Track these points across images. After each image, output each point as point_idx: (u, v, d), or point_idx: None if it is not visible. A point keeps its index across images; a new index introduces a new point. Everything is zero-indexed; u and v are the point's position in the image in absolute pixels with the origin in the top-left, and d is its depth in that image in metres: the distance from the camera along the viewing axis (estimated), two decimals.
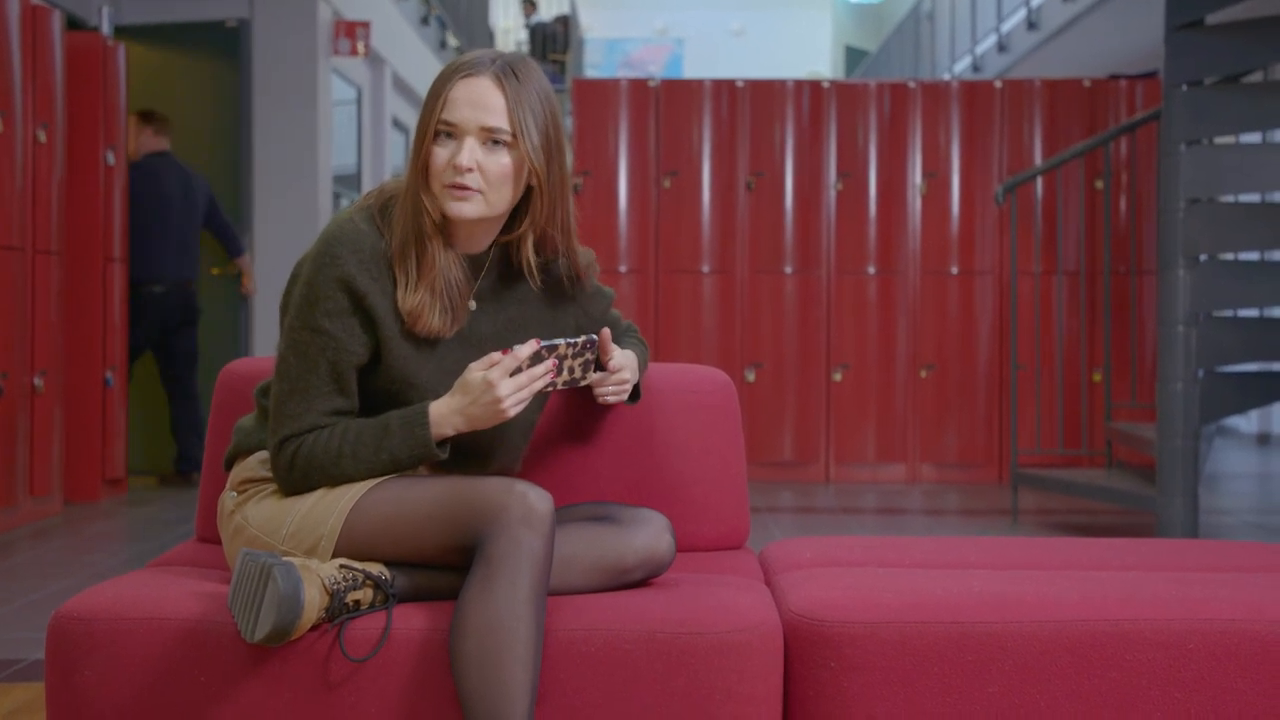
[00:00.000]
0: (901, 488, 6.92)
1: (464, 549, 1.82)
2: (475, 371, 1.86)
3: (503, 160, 1.93)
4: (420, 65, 10.67)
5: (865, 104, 7.13)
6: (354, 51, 8.02)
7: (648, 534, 2.01)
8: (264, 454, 2.01)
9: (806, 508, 6.22)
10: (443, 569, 1.89)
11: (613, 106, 7.15)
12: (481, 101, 1.92)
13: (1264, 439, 10.16)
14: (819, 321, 7.09)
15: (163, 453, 6.93)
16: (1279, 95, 4.99)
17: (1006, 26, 11.48)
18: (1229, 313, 5.42)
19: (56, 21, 5.66)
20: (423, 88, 10.08)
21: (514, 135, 1.93)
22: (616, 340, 2.21)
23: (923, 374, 7.06)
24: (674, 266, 7.10)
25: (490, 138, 1.92)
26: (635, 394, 2.24)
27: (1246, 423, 10.44)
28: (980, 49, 12.41)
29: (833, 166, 7.12)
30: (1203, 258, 5.01)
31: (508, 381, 1.84)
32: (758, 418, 6.99)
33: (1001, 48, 11.56)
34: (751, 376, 7.05)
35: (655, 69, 21.70)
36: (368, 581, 1.85)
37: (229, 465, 2.09)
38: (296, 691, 1.83)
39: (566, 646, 1.83)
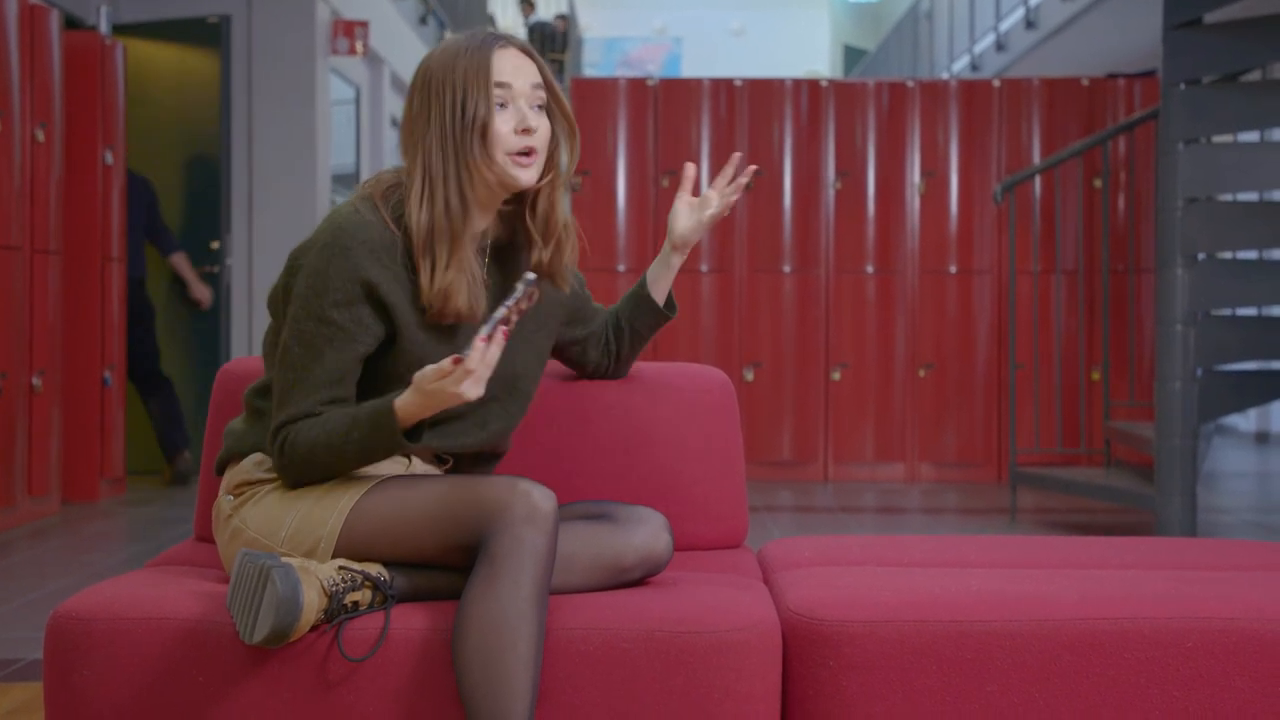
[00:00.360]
0: (900, 487, 6.92)
1: (465, 548, 1.82)
2: (429, 382, 1.80)
3: (546, 124, 1.98)
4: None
5: (864, 103, 7.13)
6: (352, 51, 8.02)
7: (646, 532, 2.00)
8: (259, 456, 2.00)
9: (805, 507, 6.22)
10: (442, 569, 1.89)
11: (611, 105, 7.15)
12: (524, 67, 1.96)
13: (1262, 437, 10.17)
14: (818, 321, 7.09)
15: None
16: (1277, 94, 5.00)
17: (1005, 25, 11.48)
18: (1227, 311, 5.42)
19: (55, 20, 5.66)
20: None
21: (554, 98, 1.99)
22: (591, 318, 2.29)
23: (921, 373, 7.06)
24: None
25: (536, 100, 1.96)
26: (671, 304, 2.30)
27: (1245, 421, 10.45)
28: (979, 48, 12.42)
29: (831, 165, 7.12)
30: (1201, 256, 5.01)
31: (467, 383, 1.79)
32: (756, 417, 6.99)
33: (1000, 47, 11.56)
34: (750, 376, 7.05)
35: (654, 68, 21.70)
36: (366, 582, 1.85)
37: (220, 469, 2.08)
38: (295, 691, 1.83)
39: (565, 645, 1.83)
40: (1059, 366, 6.16)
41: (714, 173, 7.08)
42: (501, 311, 1.78)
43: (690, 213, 2.23)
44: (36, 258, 5.49)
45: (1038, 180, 6.87)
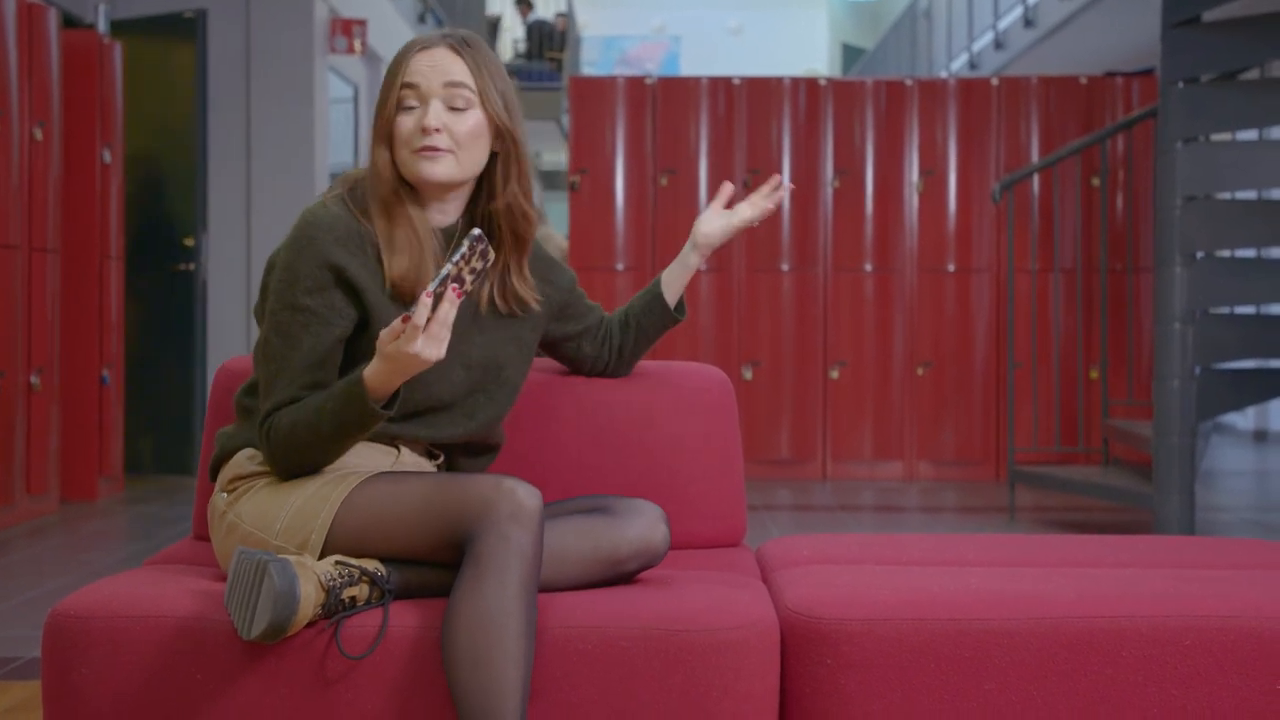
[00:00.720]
0: (899, 485, 6.92)
1: (454, 546, 1.82)
2: (386, 345, 1.80)
3: (469, 121, 1.99)
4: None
5: (862, 102, 7.13)
6: (350, 49, 8.02)
7: (642, 524, 2.01)
8: (250, 450, 2.02)
9: (804, 505, 6.22)
10: (436, 565, 1.89)
11: (610, 104, 7.15)
12: (441, 65, 1.99)
13: (1260, 436, 10.17)
14: (816, 319, 7.09)
15: (161, 452, 6.90)
16: (1275, 92, 5.00)
17: (1003, 24, 11.48)
18: (1226, 310, 5.42)
19: (53, 19, 5.65)
20: None
21: (479, 94, 1.99)
22: (584, 314, 2.30)
23: (920, 371, 7.06)
24: None
25: (454, 99, 1.98)
26: (681, 308, 2.36)
27: (1243, 420, 10.45)
28: (977, 46, 12.42)
29: (830, 164, 7.13)
30: (1199, 255, 5.01)
31: (420, 341, 1.79)
32: (755, 415, 6.99)
33: (998, 45, 11.56)
34: (749, 374, 7.05)
35: (652, 67, 21.69)
36: (364, 578, 1.85)
37: (214, 473, 2.09)
38: (293, 688, 1.83)
39: (563, 644, 1.83)
40: (1057, 365, 6.16)
41: (712, 172, 7.08)
42: (449, 268, 1.78)
43: (718, 216, 2.32)
44: (35, 256, 5.49)
45: (1036, 179, 6.87)
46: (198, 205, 7.08)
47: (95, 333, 6.05)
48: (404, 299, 1.98)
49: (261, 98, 7.52)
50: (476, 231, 1.79)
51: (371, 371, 1.84)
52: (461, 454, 2.13)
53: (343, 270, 1.94)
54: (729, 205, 2.37)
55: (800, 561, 2.26)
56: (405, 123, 1.98)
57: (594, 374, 2.40)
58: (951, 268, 7.08)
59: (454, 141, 1.98)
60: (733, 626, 1.84)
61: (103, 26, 6.47)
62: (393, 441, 2.04)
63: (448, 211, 2.05)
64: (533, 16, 15.36)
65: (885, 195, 7.11)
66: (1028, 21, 10.59)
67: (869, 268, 7.10)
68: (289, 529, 1.89)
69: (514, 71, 13.71)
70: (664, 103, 7.15)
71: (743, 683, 1.84)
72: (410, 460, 2.06)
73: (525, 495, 1.80)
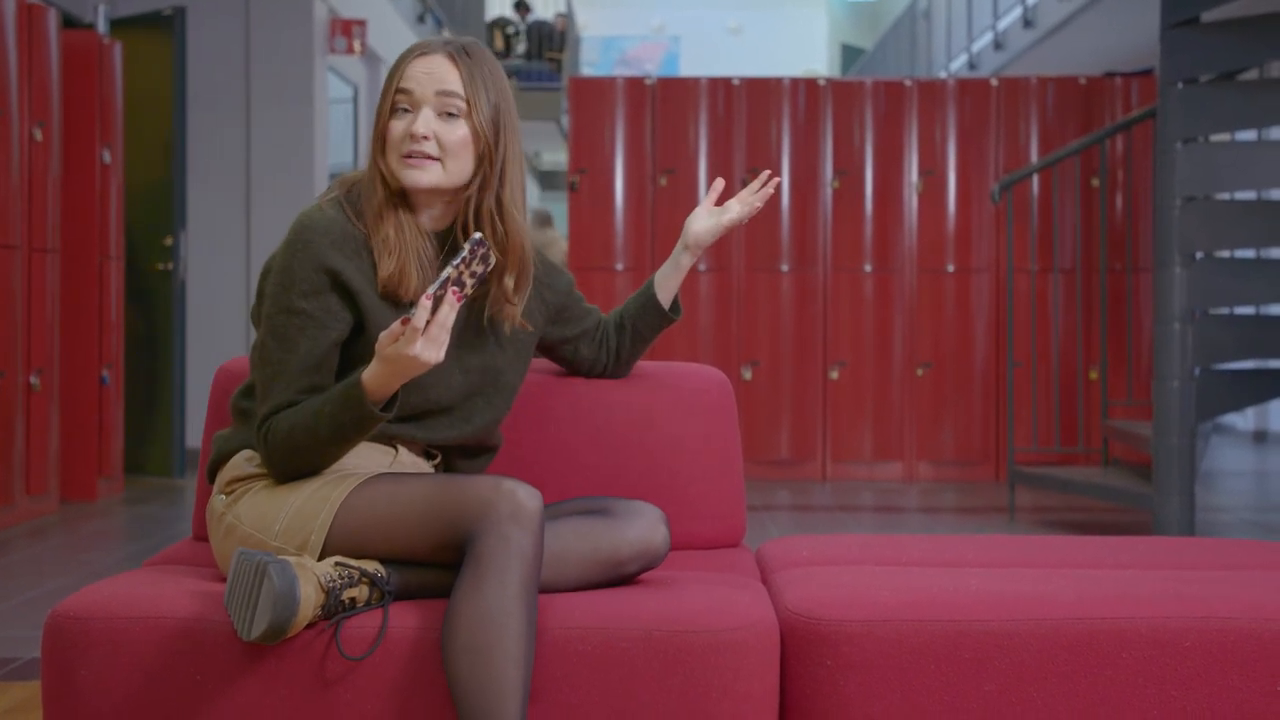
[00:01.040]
0: (898, 486, 6.93)
1: (455, 547, 1.82)
2: (385, 347, 1.81)
3: (459, 130, 1.99)
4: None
5: (861, 102, 7.13)
6: (350, 50, 8.02)
7: (642, 526, 2.01)
8: (248, 451, 2.02)
9: (803, 506, 6.22)
10: (436, 566, 1.89)
11: (609, 104, 7.15)
12: (437, 73, 1.99)
13: (1260, 436, 10.17)
14: (815, 319, 7.10)
15: (157, 452, 6.87)
16: (1274, 93, 5.00)
17: (1002, 24, 11.48)
18: (1225, 310, 5.43)
19: (53, 19, 5.65)
20: None
21: (468, 105, 1.99)
22: (581, 317, 2.30)
23: (919, 372, 7.06)
24: None
25: (445, 108, 1.98)
26: (676, 307, 2.34)
27: (1243, 420, 10.45)
28: (976, 47, 12.42)
29: (829, 164, 7.13)
30: (1199, 255, 5.02)
31: (419, 344, 1.80)
32: (754, 416, 6.99)
33: (998, 45, 11.56)
34: (748, 375, 7.05)
35: (651, 67, 21.69)
36: (363, 579, 1.85)
37: (211, 476, 2.09)
38: (292, 689, 1.83)
39: (562, 645, 1.83)
40: (1057, 365, 6.16)
41: (712, 172, 7.08)
42: (449, 271, 1.78)
43: (708, 216, 2.31)
44: (34, 256, 5.49)
45: (1035, 179, 6.87)
46: (176, 204, 6.89)
47: (95, 333, 6.05)
48: (394, 302, 1.98)
49: (261, 98, 7.52)
50: (478, 236, 1.79)
51: (370, 374, 1.84)
52: (459, 455, 2.13)
53: (338, 274, 1.94)
54: (720, 201, 2.37)
55: (800, 562, 2.26)
56: (396, 127, 1.99)
57: (592, 375, 2.40)
58: (951, 268, 7.09)
59: (442, 149, 1.98)
60: (732, 627, 1.84)
61: (102, 27, 6.47)
62: (390, 441, 2.04)
63: (438, 216, 2.06)
64: (532, 17, 15.36)
65: (885, 195, 7.11)
66: (1027, 22, 10.59)
67: (868, 268, 7.10)
68: (288, 530, 1.90)
69: (513, 72, 13.71)
70: (663, 103, 7.15)
71: (742, 684, 1.84)
72: (408, 460, 2.06)
73: (525, 496, 1.80)
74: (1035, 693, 1.87)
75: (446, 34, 11.60)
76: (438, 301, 1.78)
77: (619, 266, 7.08)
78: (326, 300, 1.94)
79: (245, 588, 1.77)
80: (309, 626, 1.82)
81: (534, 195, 19.86)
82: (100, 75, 6.08)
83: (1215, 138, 5.36)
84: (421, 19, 10.97)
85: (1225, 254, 5.49)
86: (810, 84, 7.22)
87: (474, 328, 2.07)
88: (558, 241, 8.26)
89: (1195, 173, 4.87)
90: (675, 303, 2.34)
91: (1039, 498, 6.44)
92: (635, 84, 7.23)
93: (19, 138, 5.34)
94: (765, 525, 5.48)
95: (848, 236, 7.10)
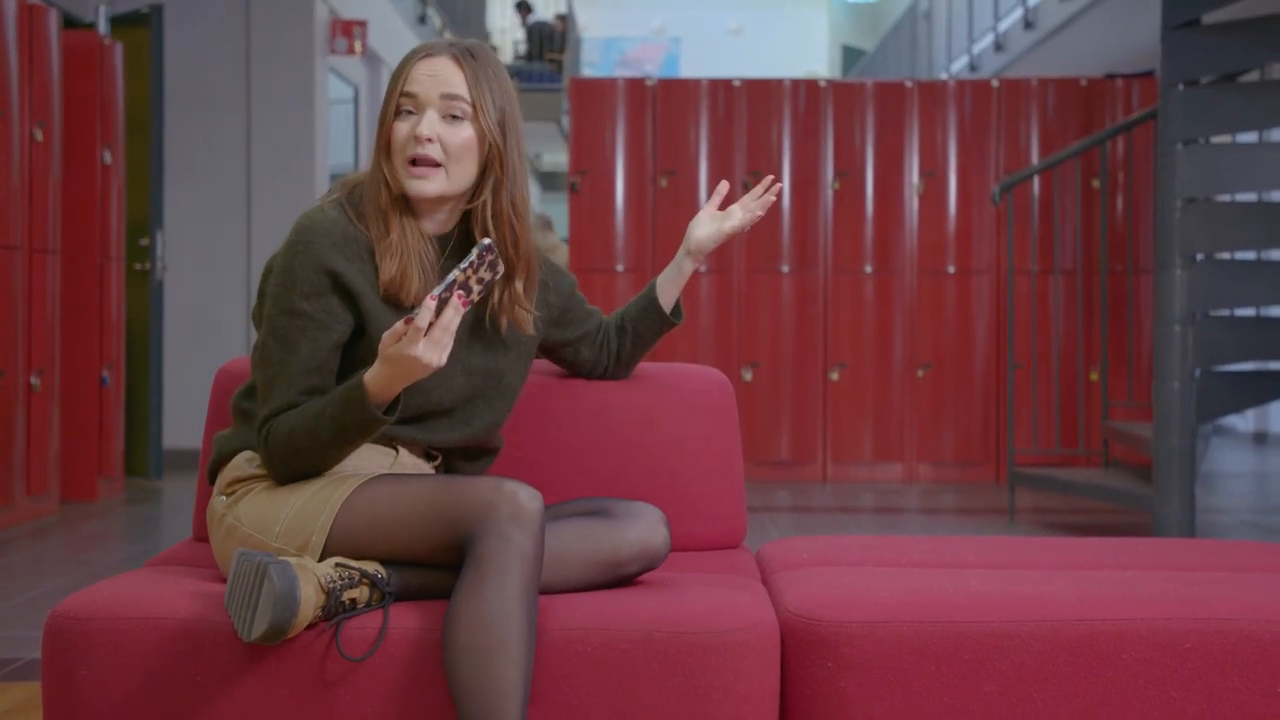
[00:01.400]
0: (898, 487, 6.92)
1: (455, 548, 1.82)
2: (388, 347, 1.81)
3: (463, 133, 1.99)
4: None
5: (862, 103, 7.13)
6: (350, 50, 8.02)
7: (642, 527, 2.01)
8: (249, 453, 2.02)
9: (803, 507, 6.22)
10: (437, 567, 1.89)
11: (609, 106, 7.15)
12: (441, 76, 1.98)
13: (1260, 438, 10.17)
14: (816, 321, 7.09)
15: (135, 453, 6.75)
16: (1275, 94, 5.00)
17: (1003, 26, 11.48)
18: (1225, 312, 5.43)
19: (53, 20, 5.65)
20: None
21: (474, 108, 1.99)
22: (583, 319, 2.30)
23: (920, 373, 7.06)
24: None
25: (450, 110, 1.98)
26: (678, 311, 2.34)
27: (1243, 422, 10.45)
28: (977, 48, 12.41)
29: (830, 166, 7.13)
30: (1199, 257, 5.02)
31: (421, 345, 1.79)
32: (755, 417, 6.99)
33: (998, 47, 11.56)
34: (748, 376, 7.05)
35: (652, 68, 21.69)
36: (364, 580, 1.85)
37: (212, 476, 2.09)
38: (292, 690, 1.83)
39: (562, 646, 1.83)
40: (1057, 367, 6.16)
41: (712, 173, 7.08)
42: (456, 274, 1.78)
43: (711, 221, 2.30)
44: (35, 257, 5.49)
45: (1036, 180, 6.87)
46: (153, 204, 6.77)
47: (95, 333, 6.05)
48: (396, 305, 1.98)
49: (262, 98, 7.52)
50: (487, 241, 1.79)
51: (372, 375, 1.84)
52: (459, 457, 2.13)
53: (339, 275, 1.94)
54: (724, 206, 2.37)
55: (800, 563, 2.26)
56: (401, 130, 1.98)
57: (592, 377, 2.40)
58: (952, 269, 7.09)
59: (446, 153, 1.98)
60: (733, 629, 1.84)
61: (103, 27, 6.47)
62: (391, 443, 2.04)
63: (440, 220, 2.05)
64: (533, 18, 15.36)
65: (885, 197, 7.11)
66: (1028, 23, 10.59)
67: (869, 269, 7.10)
68: (289, 531, 1.89)
69: (514, 73, 13.71)
70: (664, 104, 7.15)
71: (743, 685, 1.84)
72: (409, 461, 2.06)
73: (526, 497, 1.80)
74: (1036, 694, 1.87)
75: (449, 35, 11.61)
76: (442, 304, 1.78)
77: (619, 268, 7.08)
78: (328, 302, 1.94)
79: (246, 588, 1.77)
80: (309, 627, 1.82)
81: (535, 197, 19.86)
82: (101, 75, 6.08)
83: (1216, 139, 5.36)
84: (422, 19, 10.98)
85: (1226, 256, 5.49)
86: (811, 85, 7.22)
87: (477, 329, 2.07)
88: (560, 247, 8.26)
89: (1196, 174, 4.87)
90: (677, 307, 2.34)
91: (1039, 499, 6.44)
92: (636, 85, 7.23)
93: (20, 138, 5.34)
94: (765, 526, 5.48)
95: (848, 238, 7.10)
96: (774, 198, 2.30)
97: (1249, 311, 5.80)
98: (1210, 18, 5.19)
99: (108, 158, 6.11)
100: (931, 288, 7.09)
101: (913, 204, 7.11)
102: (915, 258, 7.11)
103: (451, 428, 2.06)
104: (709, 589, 1.99)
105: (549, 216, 10.53)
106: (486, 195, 2.02)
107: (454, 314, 1.79)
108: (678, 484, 2.40)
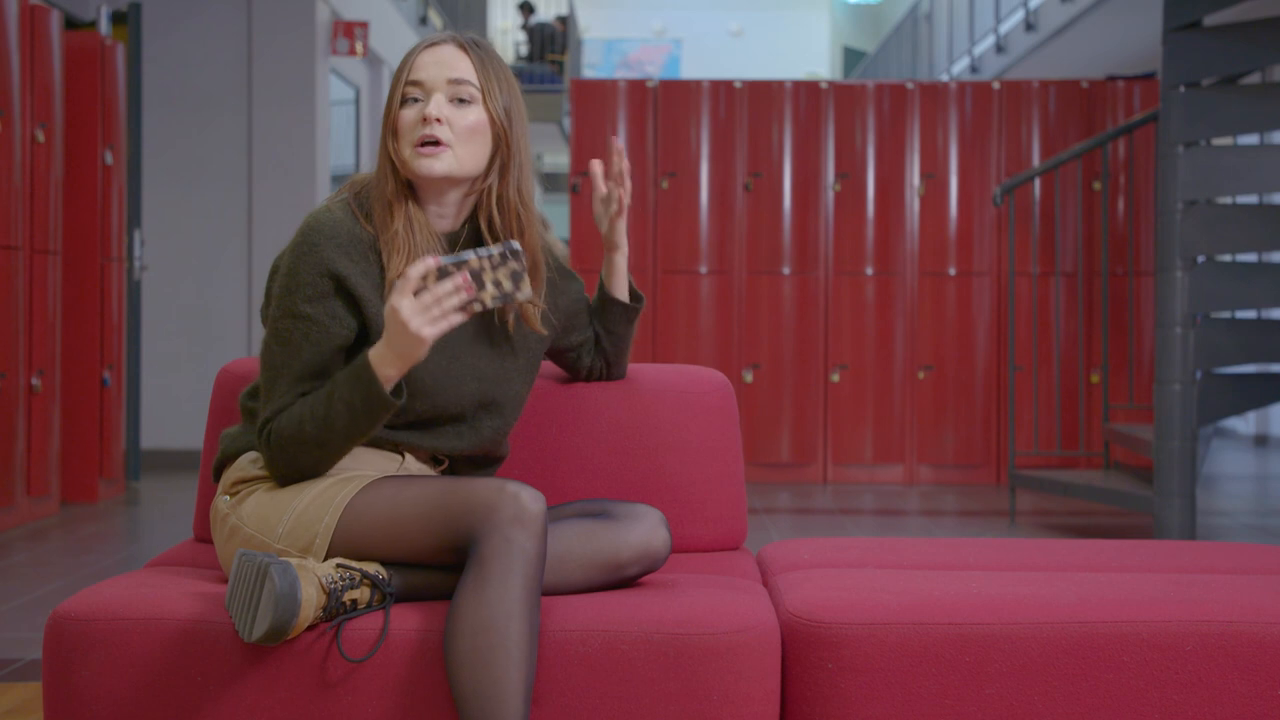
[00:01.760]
0: (899, 489, 6.92)
1: (457, 549, 1.82)
2: (388, 303, 1.83)
3: (471, 116, 1.98)
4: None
5: (863, 105, 7.13)
6: (352, 51, 8.02)
7: (643, 529, 2.01)
8: (253, 454, 2.01)
9: (804, 509, 6.22)
10: (438, 569, 1.89)
11: (610, 107, 7.15)
12: (448, 62, 1.99)
13: (1261, 440, 10.17)
14: (817, 322, 7.09)
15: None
16: (1276, 97, 5.00)
17: (1004, 28, 11.48)
18: (1226, 314, 5.42)
19: (55, 21, 5.65)
20: None
21: (481, 91, 1.99)
22: (589, 325, 2.29)
23: (920, 375, 7.06)
24: (672, 267, 7.10)
25: (458, 94, 1.98)
26: (636, 296, 2.28)
27: (1244, 424, 10.45)
28: (978, 50, 12.41)
29: (831, 167, 7.13)
30: (1200, 259, 5.01)
31: (407, 301, 1.79)
32: (755, 419, 6.99)
33: (999, 49, 11.56)
34: (749, 377, 7.05)
35: (653, 70, 21.69)
36: (365, 581, 1.85)
37: (217, 474, 2.09)
38: (294, 691, 1.83)
39: (563, 647, 1.83)
40: (1058, 368, 6.16)
41: (713, 175, 7.09)
42: (471, 256, 1.76)
43: (603, 212, 2.23)
44: (36, 258, 5.50)
45: (1037, 182, 6.87)
46: (130, 202, 6.66)
47: (96, 334, 6.05)
48: None
49: (263, 99, 7.52)
50: (517, 245, 1.79)
51: (375, 349, 1.85)
52: (466, 464, 2.12)
53: (344, 279, 1.93)
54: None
55: (801, 565, 2.26)
56: (408, 115, 1.98)
57: (591, 379, 2.40)
58: (952, 271, 7.09)
59: (454, 135, 1.97)
60: (733, 630, 1.84)
61: (104, 28, 6.47)
62: (397, 448, 2.04)
63: (448, 215, 2.04)
64: (535, 19, 15.36)
65: (886, 198, 7.11)
66: (1029, 25, 10.59)
67: (870, 271, 7.10)
68: (291, 533, 1.89)
69: (515, 74, 13.70)
70: (665, 105, 7.15)
71: (743, 686, 1.84)
72: (414, 467, 2.06)
73: (528, 499, 1.80)
74: (1036, 696, 1.87)
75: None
76: (443, 274, 1.76)
77: None
78: (331, 305, 1.93)
79: (247, 589, 1.77)
80: (310, 628, 1.82)
81: (537, 198, 19.84)
82: (102, 76, 6.09)
83: (1217, 141, 5.35)
84: (424, 20, 10.98)
85: (1227, 258, 5.49)
86: (812, 87, 7.22)
87: (487, 333, 2.06)
88: (555, 245, 8.25)
89: (1197, 176, 4.87)
90: (634, 292, 2.29)
91: (1040, 501, 6.44)
92: (637, 86, 7.23)
93: (21, 139, 5.34)
94: (766, 528, 5.47)
95: (849, 239, 7.10)
96: (622, 159, 2.19)
97: (1250, 314, 5.79)
98: (1211, 20, 5.19)
99: (109, 158, 6.11)
100: (932, 289, 7.09)
101: (914, 206, 7.11)
102: (916, 259, 7.11)
103: (459, 435, 2.05)
104: (710, 590, 1.99)
105: (545, 217, 10.54)
106: (493, 179, 2.01)
107: (450, 288, 1.78)
108: (678, 485, 2.40)
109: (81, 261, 6.00)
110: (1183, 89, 4.91)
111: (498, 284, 1.77)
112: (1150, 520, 5.19)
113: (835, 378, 7.06)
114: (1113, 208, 6.95)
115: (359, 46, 8.02)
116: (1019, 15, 10.97)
